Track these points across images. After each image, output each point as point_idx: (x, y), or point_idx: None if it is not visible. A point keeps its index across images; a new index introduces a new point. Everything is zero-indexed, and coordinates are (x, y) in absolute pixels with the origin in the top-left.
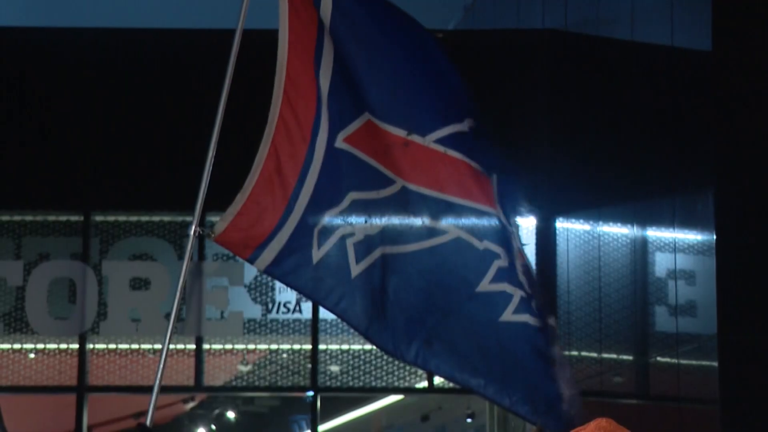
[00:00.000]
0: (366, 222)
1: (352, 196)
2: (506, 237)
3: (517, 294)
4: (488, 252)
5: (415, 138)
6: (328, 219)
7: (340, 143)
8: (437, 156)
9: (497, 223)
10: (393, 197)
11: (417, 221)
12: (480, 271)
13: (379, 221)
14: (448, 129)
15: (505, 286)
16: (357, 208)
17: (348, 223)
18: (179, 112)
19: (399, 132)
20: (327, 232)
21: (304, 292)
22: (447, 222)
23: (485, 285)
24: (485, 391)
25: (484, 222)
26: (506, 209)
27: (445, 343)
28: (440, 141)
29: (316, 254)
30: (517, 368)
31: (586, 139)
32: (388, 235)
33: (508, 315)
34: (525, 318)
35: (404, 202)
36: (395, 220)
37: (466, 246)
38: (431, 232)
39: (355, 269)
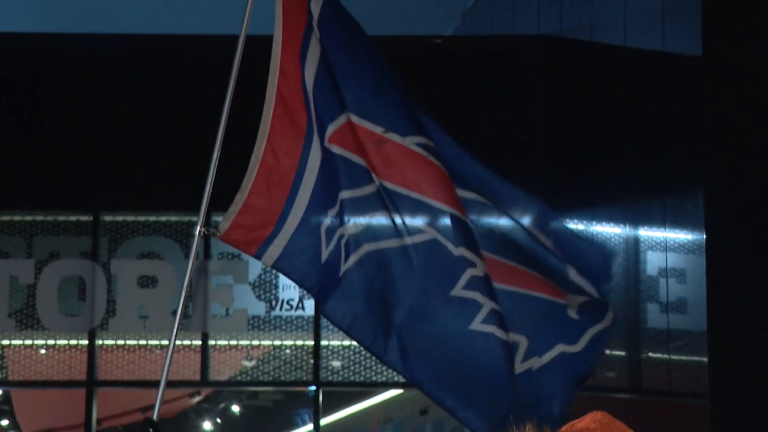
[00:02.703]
0: (350, 221)
1: (342, 195)
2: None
3: (488, 305)
4: (462, 259)
5: (393, 136)
6: (330, 219)
7: (326, 143)
8: (417, 157)
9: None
10: (373, 195)
11: (396, 219)
12: (454, 276)
13: (362, 219)
14: (423, 139)
15: (476, 295)
16: (345, 207)
17: (341, 223)
18: (185, 115)
19: (375, 129)
20: (330, 232)
21: (311, 290)
22: (424, 222)
23: (458, 290)
24: (444, 404)
25: (462, 229)
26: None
27: (418, 350)
28: (419, 145)
29: (324, 253)
30: (478, 381)
31: (581, 142)
32: (370, 232)
33: (477, 324)
34: (491, 329)
35: (382, 200)
36: (376, 217)
37: (442, 249)
38: (410, 230)
39: (342, 268)
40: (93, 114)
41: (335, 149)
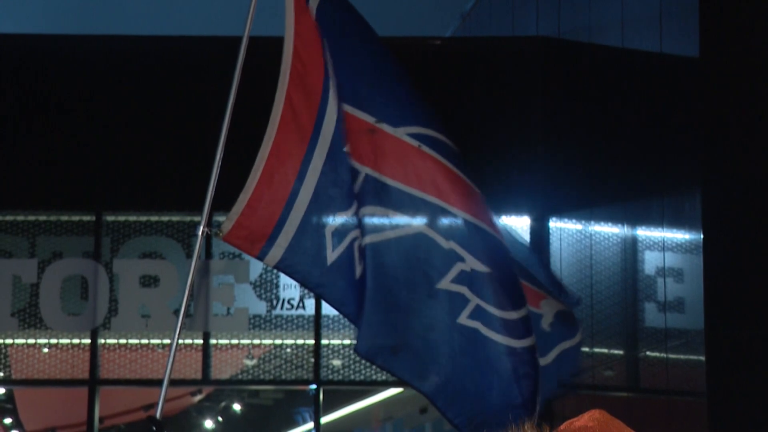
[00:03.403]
0: (361, 222)
1: (355, 200)
2: (485, 247)
3: (474, 300)
4: (453, 252)
5: (384, 126)
6: (342, 222)
7: (346, 149)
8: (409, 149)
9: (474, 230)
10: (360, 187)
11: (380, 211)
12: (442, 269)
13: (362, 215)
14: (422, 129)
15: (463, 289)
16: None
17: (356, 226)
18: (186, 116)
19: (367, 118)
20: (340, 234)
21: (316, 291)
22: (410, 214)
23: (446, 283)
24: (437, 402)
25: (454, 223)
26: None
27: (409, 349)
28: (414, 136)
29: (330, 256)
30: (463, 376)
31: (579, 142)
32: (364, 228)
33: (464, 318)
34: (476, 325)
35: (369, 191)
36: (366, 211)
37: (430, 242)
38: (393, 224)
39: (358, 270)
40: (96, 115)
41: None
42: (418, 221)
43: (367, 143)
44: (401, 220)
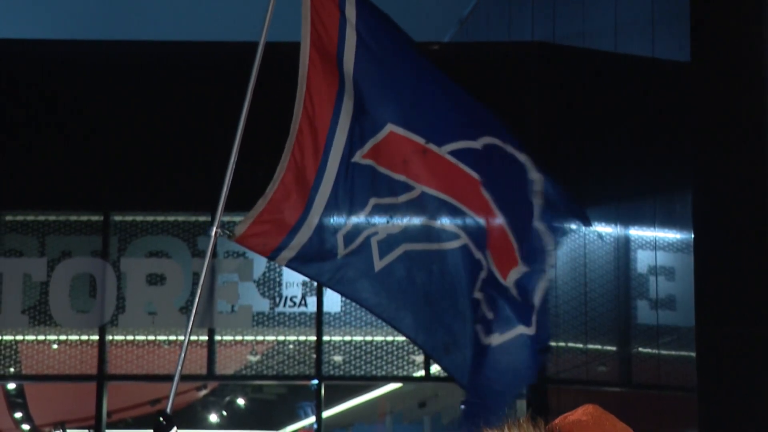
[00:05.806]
0: (388, 222)
1: (374, 201)
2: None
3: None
4: (478, 262)
5: (432, 147)
6: (354, 224)
7: (358, 159)
8: (451, 166)
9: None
10: (413, 201)
11: (436, 223)
12: (474, 278)
13: (401, 221)
14: (461, 144)
15: (480, 296)
16: (379, 210)
17: (372, 224)
18: (192, 118)
19: (418, 140)
20: (353, 234)
21: (328, 285)
22: (458, 228)
23: (476, 292)
24: (475, 391)
25: (482, 235)
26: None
27: (459, 350)
28: (453, 153)
29: (342, 251)
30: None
31: (573, 144)
32: (409, 234)
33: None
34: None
35: (423, 206)
36: (416, 221)
37: (468, 253)
38: (448, 235)
39: (379, 264)
40: (103, 117)
41: (369, 163)
42: (465, 233)
43: (422, 162)
44: (453, 232)
